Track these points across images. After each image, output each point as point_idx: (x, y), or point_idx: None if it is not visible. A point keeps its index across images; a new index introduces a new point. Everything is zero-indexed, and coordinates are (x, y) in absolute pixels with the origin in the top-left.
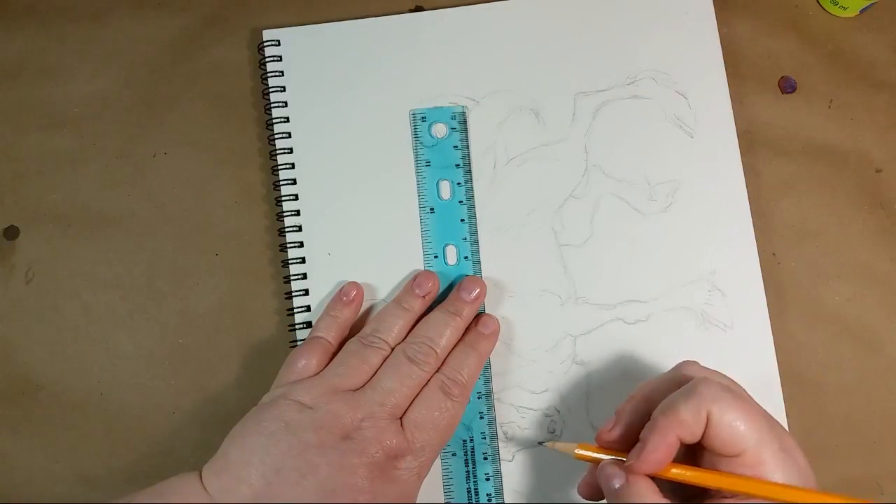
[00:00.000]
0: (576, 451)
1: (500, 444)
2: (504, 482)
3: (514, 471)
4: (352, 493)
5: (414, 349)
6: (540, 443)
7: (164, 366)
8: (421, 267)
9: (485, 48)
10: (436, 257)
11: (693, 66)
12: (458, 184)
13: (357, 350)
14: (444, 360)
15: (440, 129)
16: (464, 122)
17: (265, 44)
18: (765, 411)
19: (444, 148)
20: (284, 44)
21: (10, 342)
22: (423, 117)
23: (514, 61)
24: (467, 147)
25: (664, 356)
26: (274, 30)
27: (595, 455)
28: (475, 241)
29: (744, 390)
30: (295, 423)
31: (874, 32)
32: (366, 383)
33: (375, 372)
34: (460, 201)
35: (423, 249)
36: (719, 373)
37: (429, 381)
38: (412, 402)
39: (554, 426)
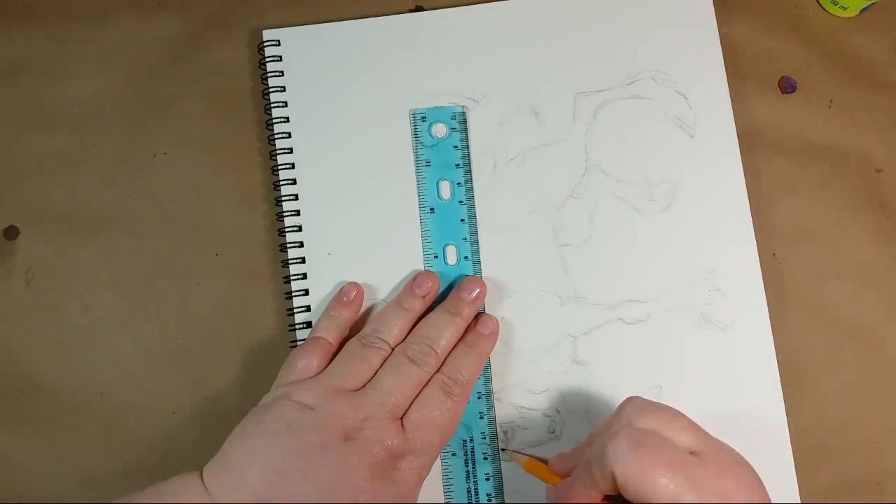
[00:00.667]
0: (525, 464)
1: (500, 444)
2: (504, 482)
3: (514, 471)
4: (353, 494)
5: (414, 349)
6: (502, 449)
7: (164, 366)
8: (421, 267)
9: (485, 48)
10: (436, 257)
11: (693, 66)
12: (458, 184)
13: (357, 350)
14: (444, 360)
15: (440, 129)
16: (464, 122)
17: (265, 44)
18: (688, 458)
19: (444, 148)
20: (284, 44)
21: (10, 342)
22: (423, 117)
23: (514, 61)
24: (467, 147)
25: (664, 356)
26: (274, 30)
27: (539, 474)
28: (475, 241)
29: (678, 426)
30: (296, 424)
31: (874, 32)
32: (366, 383)
33: (376, 372)
34: (460, 201)
35: (423, 249)
36: (655, 412)
37: (429, 381)
38: (413, 403)
39: (554, 426)
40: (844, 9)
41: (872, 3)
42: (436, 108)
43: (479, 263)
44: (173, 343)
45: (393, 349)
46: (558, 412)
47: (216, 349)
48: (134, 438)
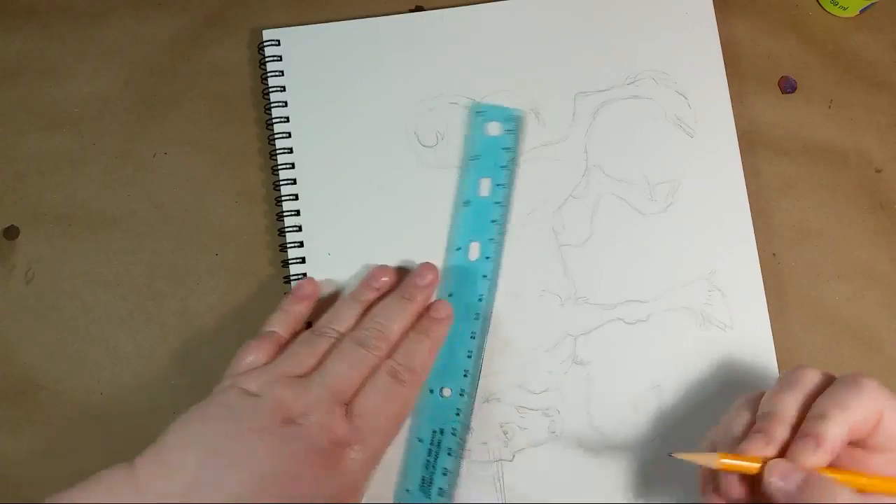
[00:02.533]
0: (720, 462)
1: (501, 444)
2: (504, 482)
3: (514, 471)
4: (292, 481)
5: (364, 333)
6: (669, 454)
7: (164, 366)
8: (417, 261)
9: (485, 48)
10: (458, 249)
11: (693, 66)
12: (499, 185)
13: (307, 339)
14: (396, 346)
15: (494, 128)
16: (520, 128)
17: (265, 44)
18: None
19: (494, 147)
20: (284, 44)
21: (10, 342)
22: (481, 112)
23: (514, 61)
24: (517, 154)
25: (664, 356)
26: (274, 30)
27: (741, 463)
28: (500, 245)
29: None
30: (237, 409)
31: (874, 32)
32: (314, 370)
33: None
34: (497, 202)
35: (448, 239)
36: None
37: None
38: (361, 389)
39: (554, 426)
40: (844, 9)
41: (872, 3)
42: (497, 106)
43: (500, 267)
44: (173, 343)
45: None
46: (558, 412)
47: (216, 349)
48: (134, 438)
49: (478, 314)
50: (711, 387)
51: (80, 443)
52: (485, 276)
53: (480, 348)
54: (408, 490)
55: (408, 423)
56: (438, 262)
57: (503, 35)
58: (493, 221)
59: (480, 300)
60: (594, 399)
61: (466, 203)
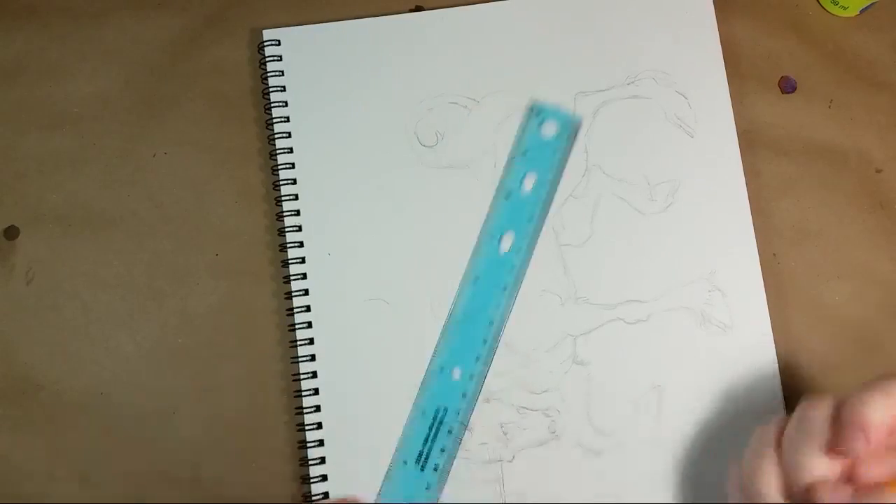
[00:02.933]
0: None
1: (501, 444)
2: (504, 482)
3: (514, 471)
4: None
5: None
6: None
7: (164, 366)
8: (417, 261)
9: (485, 48)
10: (492, 238)
11: (693, 66)
12: (543, 183)
13: None
14: None
15: (550, 128)
16: (574, 133)
17: (265, 44)
18: None
19: (546, 146)
20: (284, 44)
21: (10, 342)
22: (539, 111)
23: (514, 61)
24: (566, 156)
25: (664, 356)
26: (274, 30)
27: None
28: (533, 242)
29: None
30: None
31: (874, 32)
32: None
33: None
34: (538, 199)
35: (482, 230)
36: None
37: None
38: None
39: (554, 426)
40: (844, 9)
41: (872, 3)
42: (556, 107)
43: (528, 264)
44: (173, 343)
45: None
46: (558, 412)
47: (216, 349)
48: (134, 438)
49: (499, 303)
50: (712, 386)
51: (80, 443)
52: (512, 269)
53: (496, 338)
54: (405, 462)
55: (412, 395)
56: (460, 250)
57: (503, 35)
58: (530, 218)
59: (504, 290)
60: (594, 399)
61: (508, 196)
